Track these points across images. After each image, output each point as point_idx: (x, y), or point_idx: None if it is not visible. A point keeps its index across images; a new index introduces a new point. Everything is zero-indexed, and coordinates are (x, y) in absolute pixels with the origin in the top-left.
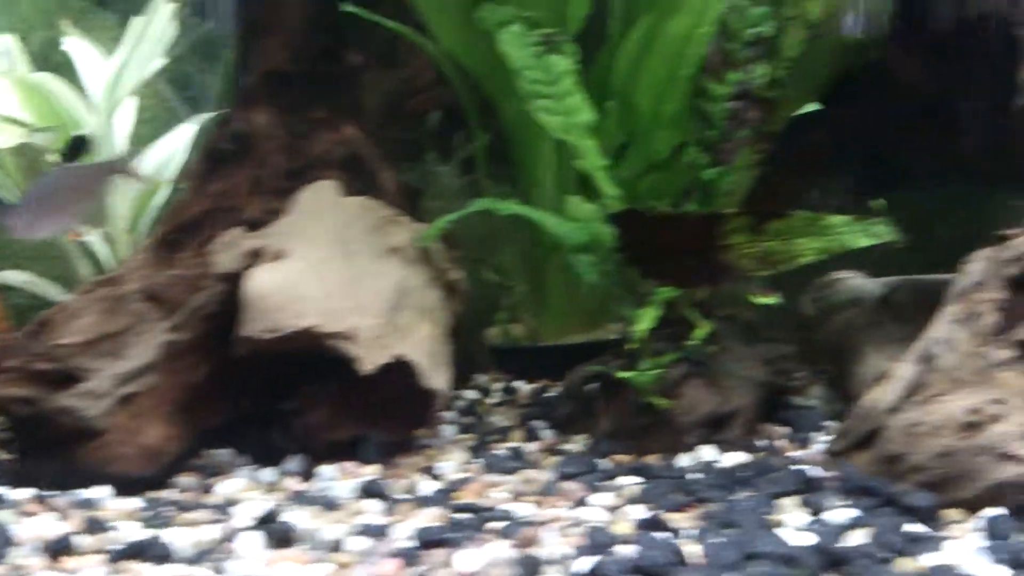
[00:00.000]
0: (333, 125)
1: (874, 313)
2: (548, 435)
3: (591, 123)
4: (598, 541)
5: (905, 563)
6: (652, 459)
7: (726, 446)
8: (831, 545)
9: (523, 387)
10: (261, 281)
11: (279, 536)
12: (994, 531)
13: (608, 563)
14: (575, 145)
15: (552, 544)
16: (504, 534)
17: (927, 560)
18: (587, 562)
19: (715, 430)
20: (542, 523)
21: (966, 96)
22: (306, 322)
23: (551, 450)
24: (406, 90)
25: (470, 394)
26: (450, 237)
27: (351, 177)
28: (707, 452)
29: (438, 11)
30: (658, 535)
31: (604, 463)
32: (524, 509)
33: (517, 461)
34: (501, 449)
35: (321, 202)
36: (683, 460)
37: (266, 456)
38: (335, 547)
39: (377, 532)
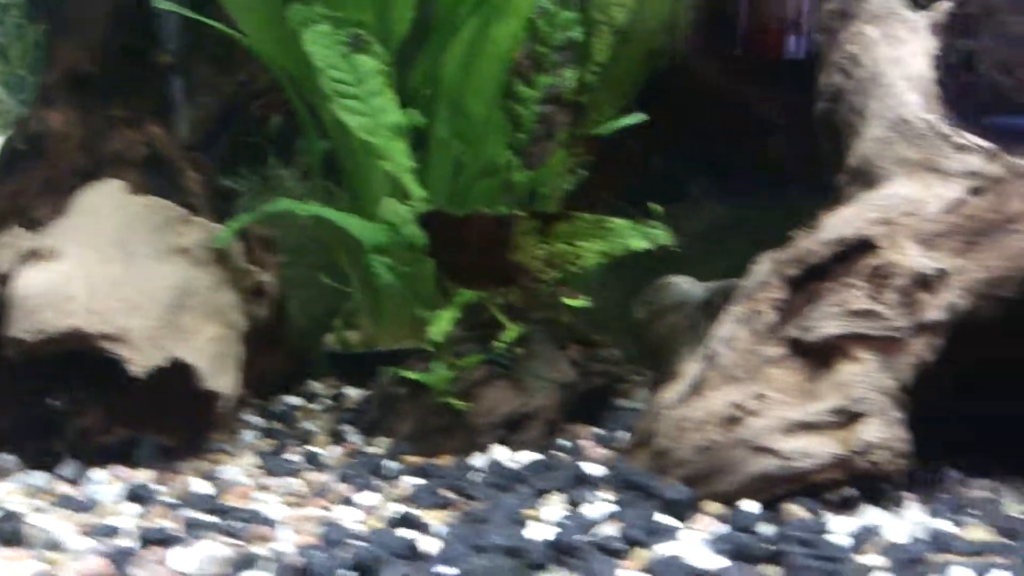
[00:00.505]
0: (135, 124)
1: (695, 316)
2: (355, 439)
3: (398, 124)
4: (330, 538)
5: (640, 553)
6: (445, 460)
7: (522, 446)
8: (568, 538)
9: (352, 393)
10: (28, 281)
11: (7, 536)
12: (736, 523)
13: (319, 556)
14: (381, 146)
15: (282, 541)
16: (235, 533)
17: (660, 550)
18: (302, 557)
19: (513, 431)
20: (283, 522)
21: (772, 101)
22: (73, 323)
23: (352, 454)
24: (244, 93)
25: (293, 400)
26: (269, 240)
27: (151, 177)
28: (501, 453)
29: (245, 9)
30: (401, 532)
31: (392, 464)
32: (278, 510)
33: (307, 465)
34: (297, 454)
35: (103, 201)
36: (477, 460)
37: (44, 460)
38: (57, 547)
39: (108, 533)
